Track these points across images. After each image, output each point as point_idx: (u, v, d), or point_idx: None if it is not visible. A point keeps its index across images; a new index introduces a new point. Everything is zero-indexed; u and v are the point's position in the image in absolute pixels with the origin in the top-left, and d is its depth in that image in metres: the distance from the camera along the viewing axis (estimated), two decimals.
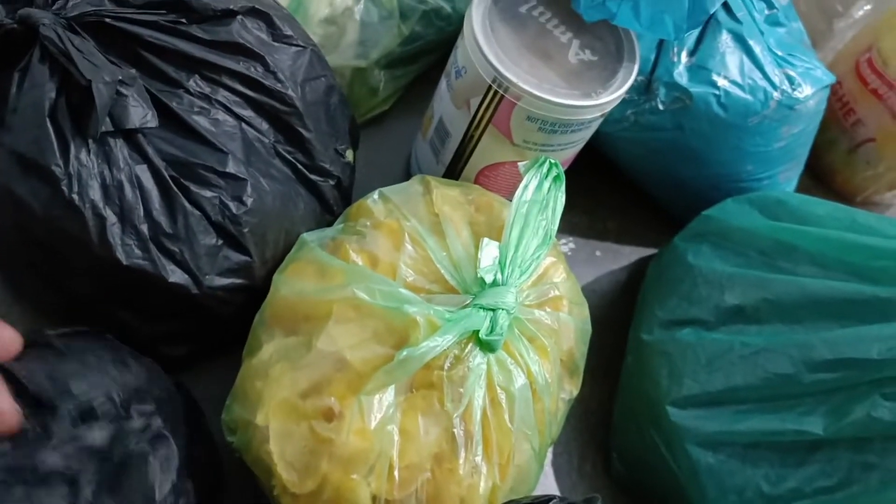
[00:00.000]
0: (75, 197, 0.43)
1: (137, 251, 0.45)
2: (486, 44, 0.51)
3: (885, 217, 0.57)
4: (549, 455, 0.59)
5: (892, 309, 0.50)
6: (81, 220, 0.43)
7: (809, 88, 0.61)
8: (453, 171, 0.60)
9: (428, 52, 0.69)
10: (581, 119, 0.53)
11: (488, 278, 0.47)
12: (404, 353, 0.42)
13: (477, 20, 0.52)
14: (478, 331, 0.44)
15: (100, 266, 0.45)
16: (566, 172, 0.60)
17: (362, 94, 0.66)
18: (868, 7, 0.78)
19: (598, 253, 0.70)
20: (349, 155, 0.57)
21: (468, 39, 0.52)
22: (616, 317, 0.66)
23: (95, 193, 0.44)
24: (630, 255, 0.70)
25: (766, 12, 0.64)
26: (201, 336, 0.52)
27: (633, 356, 0.60)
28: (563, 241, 0.69)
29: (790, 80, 0.60)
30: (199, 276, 0.47)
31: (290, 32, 0.52)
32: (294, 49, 0.52)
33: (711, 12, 0.49)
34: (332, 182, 0.55)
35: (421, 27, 0.66)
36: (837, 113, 0.76)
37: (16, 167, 0.44)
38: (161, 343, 0.51)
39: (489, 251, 0.48)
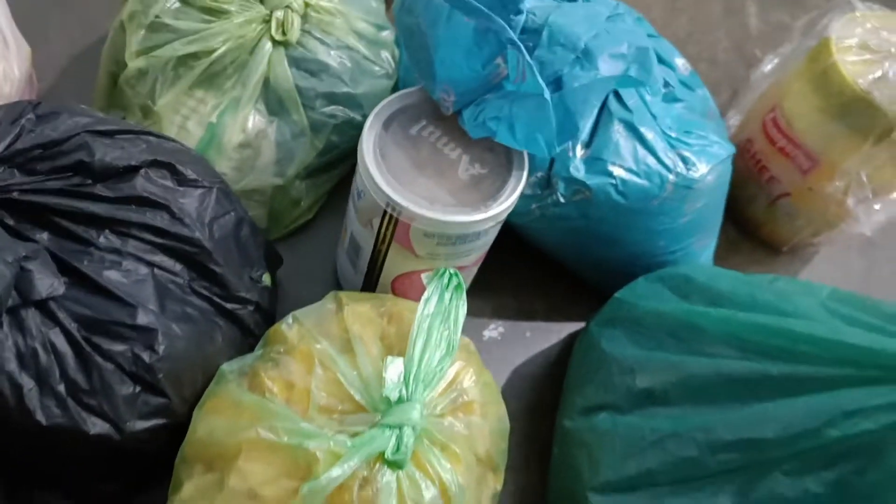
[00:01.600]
0: None
1: (57, 410, 0.48)
2: (376, 171, 0.54)
3: (785, 291, 0.59)
4: None
5: (786, 386, 0.52)
6: None
7: (705, 166, 0.64)
8: (370, 280, 0.63)
9: (346, 158, 0.72)
10: (476, 230, 0.56)
11: (393, 396, 0.49)
12: (305, 488, 0.45)
13: (368, 148, 0.55)
14: (384, 451, 0.47)
15: (22, 429, 0.48)
16: (491, 260, 0.63)
17: (284, 206, 0.69)
18: (776, 61, 0.81)
19: (528, 334, 0.72)
20: (266, 279, 0.60)
21: (361, 167, 0.55)
22: (550, 399, 0.68)
23: (11, 364, 0.47)
24: (560, 331, 0.73)
25: (663, 91, 0.67)
26: (131, 473, 0.55)
27: (559, 446, 0.62)
28: (493, 325, 0.72)
29: (685, 160, 0.63)
30: (121, 424, 0.50)
31: (194, 176, 0.55)
32: (199, 191, 0.55)
33: (580, 129, 0.52)
34: (250, 307, 0.58)
35: (336, 137, 0.69)
36: (752, 170, 0.78)
37: None
38: (94, 482, 0.54)
39: (394, 369, 0.50)
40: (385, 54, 0.72)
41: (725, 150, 0.66)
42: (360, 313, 0.56)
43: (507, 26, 0.51)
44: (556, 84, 0.54)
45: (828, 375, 0.51)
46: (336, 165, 0.72)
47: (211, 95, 0.64)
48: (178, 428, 0.53)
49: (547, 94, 0.51)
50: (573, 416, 0.61)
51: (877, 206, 0.70)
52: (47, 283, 0.48)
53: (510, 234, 0.70)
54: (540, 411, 0.67)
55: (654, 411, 0.57)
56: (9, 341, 0.47)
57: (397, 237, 0.56)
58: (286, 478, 0.47)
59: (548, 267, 0.74)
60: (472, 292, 0.71)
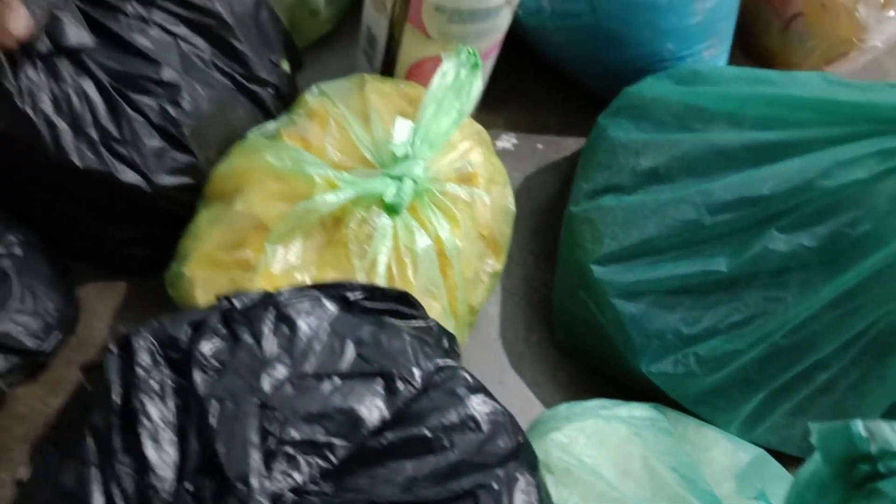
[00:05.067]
0: (29, 109, 0.49)
1: (90, 155, 0.51)
2: None
3: (785, 72, 0.60)
4: (496, 328, 0.65)
5: (783, 151, 0.54)
6: (35, 130, 0.50)
7: None
8: (387, 72, 0.65)
9: None
10: (486, 7, 0.57)
11: (399, 152, 0.52)
12: (301, 205, 0.48)
13: None
14: (383, 195, 0.50)
15: (58, 172, 0.51)
16: (505, 75, 0.65)
17: (304, 17, 0.71)
18: None
19: (539, 146, 0.74)
20: (284, 65, 0.62)
21: None
22: (560, 202, 0.70)
23: (46, 106, 0.50)
24: (572, 146, 0.75)
25: None
26: (161, 237, 0.58)
27: (565, 229, 0.64)
28: (506, 136, 0.74)
29: None
30: (150, 175, 0.53)
31: None
32: None
33: None
34: (270, 90, 0.60)
35: None
36: None
37: None
38: (124, 246, 0.58)
39: (402, 128, 0.53)
40: None
41: None
42: (381, 90, 0.58)
43: None
44: None
45: (823, 136, 0.53)
46: None
47: None
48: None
49: None
50: (579, 201, 0.63)
51: (891, 13, 0.70)
52: (76, 31, 0.51)
53: (524, 45, 0.72)
54: (549, 212, 0.70)
55: (657, 188, 0.59)
56: (43, 84, 0.50)
57: (411, 15, 0.58)
58: (284, 202, 0.50)
59: (561, 84, 0.76)
60: (485, 105, 0.74)
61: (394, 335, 0.39)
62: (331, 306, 0.39)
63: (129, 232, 0.57)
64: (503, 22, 0.61)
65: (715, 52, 0.72)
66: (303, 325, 0.37)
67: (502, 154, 0.72)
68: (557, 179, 0.73)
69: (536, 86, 0.76)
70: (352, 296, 0.40)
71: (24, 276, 0.53)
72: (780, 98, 0.55)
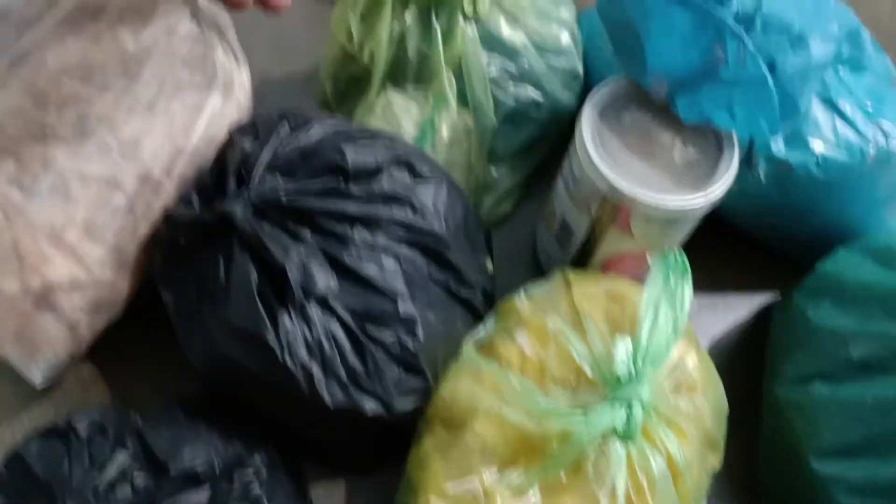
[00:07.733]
0: (288, 360, 0.52)
1: (339, 393, 0.54)
2: (597, 157, 0.58)
3: None
4: None
5: None
6: (293, 378, 0.52)
7: None
8: (580, 261, 0.67)
9: (538, 143, 0.75)
10: (694, 210, 0.59)
11: (622, 374, 0.53)
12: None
13: (587, 135, 0.59)
14: (615, 426, 0.51)
15: (311, 410, 0.54)
16: None
17: (484, 195, 0.73)
18: None
19: (719, 305, 0.75)
20: (489, 264, 0.64)
21: (581, 153, 0.59)
22: (747, 365, 0.70)
23: (302, 353, 0.53)
24: (751, 301, 0.75)
25: (847, 55, 0.68)
26: (389, 444, 0.60)
27: (770, 412, 0.65)
28: None
29: (884, 133, 0.64)
30: (390, 404, 0.55)
31: (426, 170, 0.60)
32: (433, 185, 0.60)
33: (803, 110, 0.54)
34: (479, 293, 0.62)
35: (525, 122, 0.72)
36: None
37: (234, 337, 0.53)
38: (352, 451, 0.60)
39: (622, 347, 0.54)
40: (565, 34, 0.73)
41: None
42: (588, 293, 0.59)
43: (727, 17, 0.54)
44: (770, 68, 0.56)
45: None
46: (530, 152, 0.75)
47: (421, 95, 0.68)
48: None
49: (770, 81, 0.53)
50: (784, 384, 0.63)
51: None
52: (325, 279, 0.53)
53: None
54: (737, 375, 0.69)
55: (873, 382, 0.59)
56: (298, 333, 0.53)
57: (618, 222, 0.60)
58: (517, 440, 0.52)
59: (737, 239, 0.76)
60: None
61: None
62: None
63: (362, 444, 0.60)
64: (701, 216, 0.62)
65: None
66: None
67: None
68: (741, 339, 0.73)
69: (711, 242, 0.77)
70: None
71: (273, 497, 0.55)
72: None
